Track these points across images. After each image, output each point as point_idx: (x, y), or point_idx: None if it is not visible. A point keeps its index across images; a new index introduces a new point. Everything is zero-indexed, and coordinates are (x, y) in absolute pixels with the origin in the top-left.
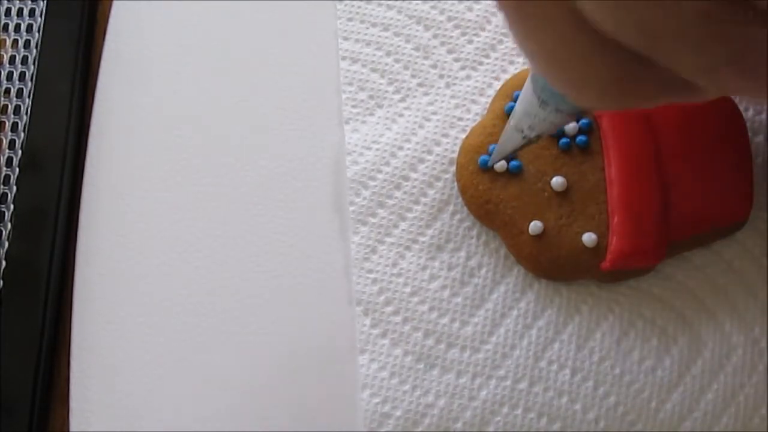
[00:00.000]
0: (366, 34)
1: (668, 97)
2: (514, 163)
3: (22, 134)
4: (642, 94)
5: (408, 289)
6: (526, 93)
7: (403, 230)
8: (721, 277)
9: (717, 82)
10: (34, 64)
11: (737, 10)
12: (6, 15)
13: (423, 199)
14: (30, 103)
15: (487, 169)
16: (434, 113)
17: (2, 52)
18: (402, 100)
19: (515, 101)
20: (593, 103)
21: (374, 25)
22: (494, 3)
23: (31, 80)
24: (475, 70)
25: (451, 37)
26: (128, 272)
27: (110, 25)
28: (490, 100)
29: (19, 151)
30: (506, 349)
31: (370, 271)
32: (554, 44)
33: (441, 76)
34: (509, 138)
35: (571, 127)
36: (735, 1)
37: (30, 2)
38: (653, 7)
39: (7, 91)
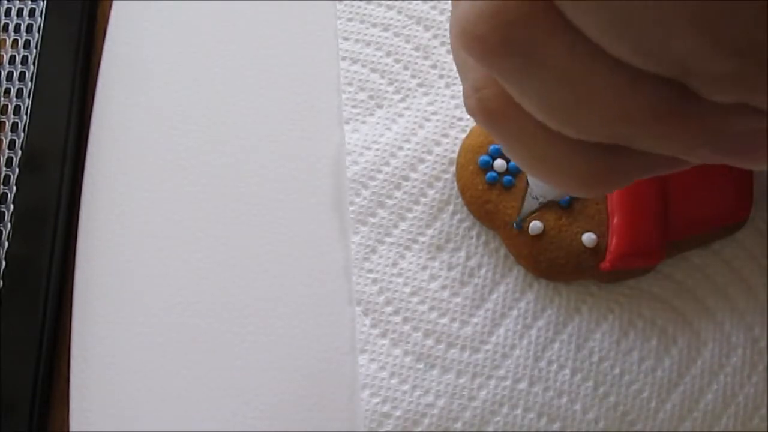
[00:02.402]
0: (366, 35)
1: (653, 173)
2: (513, 163)
3: (22, 134)
4: (624, 178)
5: (408, 289)
6: None
7: (403, 230)
8: (721, 277)
9: (697, 159)
10: (34, 64)
11: (691, 102)
12: (6, 15)
13: (423, 199)
14: (30, 103)
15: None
16: (434, 113)
17: (2, 52)
18: (402, 100)
19: None
20: (580, 194)
21: (374, 25)
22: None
23: (31, 80)
24: None
25: None
26: (128, 272)
27: (110, 25)
28: None
29: (19, 151)
30: (506, 349)
31: (370, 271)
32: (532, 152)
33: (441, 76)
34: (528, 204)
35: None
36: (688, 95)
37: (30, 2)
38: (612, 107)
39: (7, 91)
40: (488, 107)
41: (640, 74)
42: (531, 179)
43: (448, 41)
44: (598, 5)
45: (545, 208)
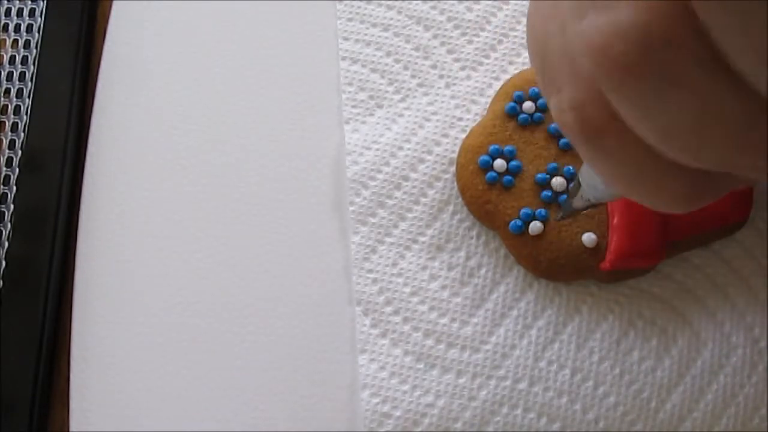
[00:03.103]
0: (366, 35)
1: (734, 187)
2: (513, 163)
3: (22, 134)
4: (716, 195)
5: (408, 289)
6: (591, 171)
7: (403, 230)
8: (721, 277)
9: None
10: (34, 64)
11: None
12: (6, 15)
13: (423, 199)
14: (30, 103)
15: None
16: (434, 113)
17: (2, 52)
18: (402, 100)
19: (515, 101)
20: (670, 210)
21: (374, 25)
22: (494, 3)
23: (31, 80)
24: (475, 71)
25: (451, 37)
26: (128, 272)
27: (110, 25)
28: (490, 100)
29: (19, 151)
30: (506, 349)
31: (370, 271)
32: (629, 171)
33: (441, 76)
34: (577, 204)
35: None
36: None
37: (30, 2)
38: (734, 137)
39: (7, 91)
40: (590, 125)
41: (763, 107)
42: (585, 184)
43: (448, 41)
44: (747, 25)
45: (546, 205)
